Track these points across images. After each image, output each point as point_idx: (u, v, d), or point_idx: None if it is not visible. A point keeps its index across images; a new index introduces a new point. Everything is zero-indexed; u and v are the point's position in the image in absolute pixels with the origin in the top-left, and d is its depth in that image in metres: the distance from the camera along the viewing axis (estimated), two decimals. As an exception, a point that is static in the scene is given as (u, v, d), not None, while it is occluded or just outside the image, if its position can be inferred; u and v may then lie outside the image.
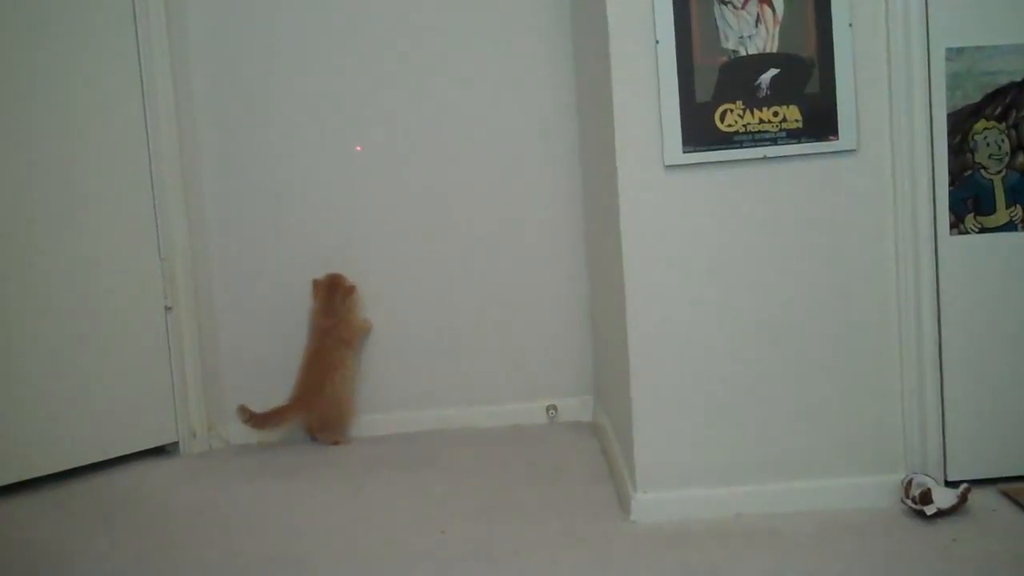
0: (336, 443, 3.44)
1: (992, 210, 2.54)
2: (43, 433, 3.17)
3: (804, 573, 2.21)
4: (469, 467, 3.12)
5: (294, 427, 3.49)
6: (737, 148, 2.47)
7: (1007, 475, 2.58)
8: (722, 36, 2.45)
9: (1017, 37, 2.48)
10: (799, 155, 2.48)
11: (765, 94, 2.46)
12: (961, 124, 2.51)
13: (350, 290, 3.49)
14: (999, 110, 2.50)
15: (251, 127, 3.53)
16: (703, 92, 2.46)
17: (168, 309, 3.41)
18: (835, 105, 2.46)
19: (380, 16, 3.50)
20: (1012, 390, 2.56)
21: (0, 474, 3.08)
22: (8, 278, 3.12)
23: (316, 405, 3.42)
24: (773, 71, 2.46)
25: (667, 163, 2.48)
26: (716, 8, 2.44)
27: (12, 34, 3.11)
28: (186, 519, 2.80)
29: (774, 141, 2.47)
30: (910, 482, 2.47)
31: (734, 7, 2.44)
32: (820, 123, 2.46)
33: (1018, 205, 2.54)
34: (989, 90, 2.50)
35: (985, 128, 2.51)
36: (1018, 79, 2.50)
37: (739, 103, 2.47)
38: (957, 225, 2.53)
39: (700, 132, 2.47)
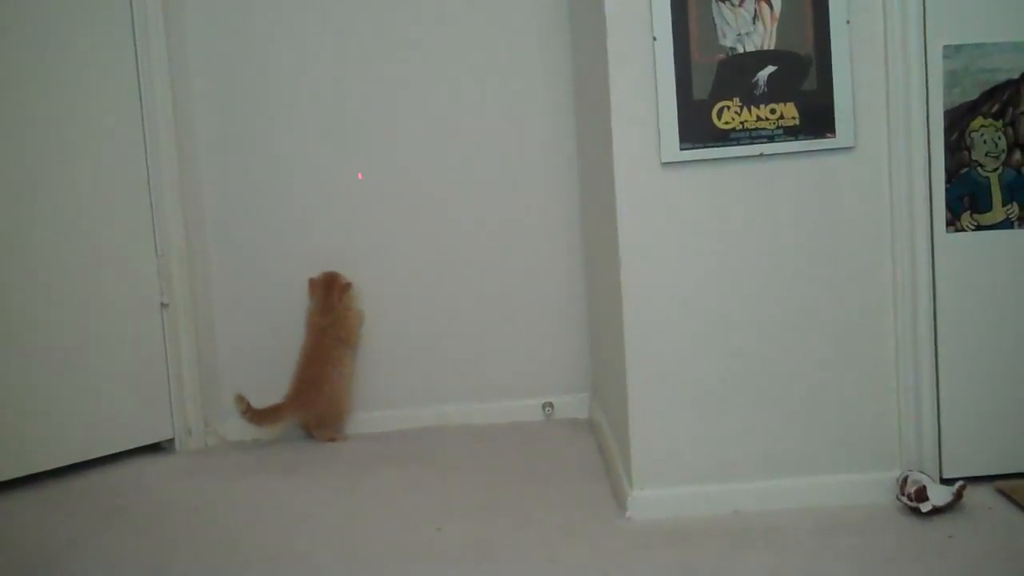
0: (332, 440, 3.43)
1: (988, 208, 2.54)
2: (39, 430, 3.16)
3: (801, 570, 2.21)
4: (466, 464, 3.12)
5: (291, 424, 3.48)
6: (734, 145, 2.47)
7: (1003, 472, 2.57)
8: (720, 33, 2.45)
9: (1014, 35, 2.48)
10: (796, 152, 2.48)
11: (762, 91, 2.46)
12: (958, 121, 2.51)
13: (346, 287, 3.48)
14: (996, 107, 2.51)
15: (249, 124, 3.52)
16: (700, 89, 2.46)
17: (164, 306, 3.40)
18: (832, 102, 2.46)
19: (378, 15, 3.49)
20: (1008, 388, 2.57)
21: (-4, 470, 3.09)
22: (4, 275, 3.11)
23: (312, 403, 3.42)
24: (770, 68, 2.46)
25: (664, 160, 2.48)
26: (714, 5, 2.44)
27: (5, 29, 3.09)
28: (182, 516, 2.80)
29: (771, 138, 2.47)
30: (905, 479, 2.48)
31: (732, 4, 2.44)
32: (817, 120, 2.46)
33: (1014, 203, 2.54)
34: (986, 87, 2.50)
35: (982, 126, 2.51)
36: (1015, 76, 2.50)
37: (736, 100, 2.46)
38: (954, 223, 2.53)
39: (697, 129, 2.47)
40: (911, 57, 2.46)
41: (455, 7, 3.49)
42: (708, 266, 2.52)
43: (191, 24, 3.47)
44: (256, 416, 3.37)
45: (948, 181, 2.52)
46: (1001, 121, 2.51)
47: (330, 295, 3.46)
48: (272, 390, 3.41)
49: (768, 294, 2.52)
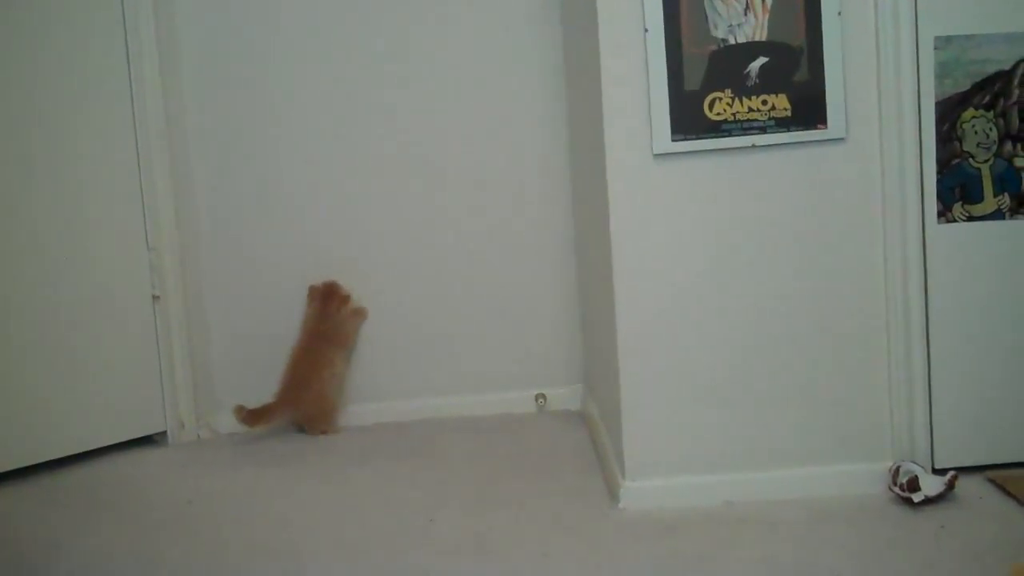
0: (324, 433, 3.43)
1: (980, 198, 2.55)
2: (31, 422, 3.16)
3: (794, 560, 2.22)
4: (458, 456, 3.12)
5: (282, 421, 3.48)
6: (726, 136, 2.47)
7: (994, 463, 2.59)
8: (711, 24, 2.45)
9: (1005, 26, 2.48)
10: (788, 143, 2.48)
11: (754, 83, 2.46)
12: (949, 113, 2.51)
13: (345, 299, 3.50)
14: (987, 98, 2.51)
15: (241, 117, 3.51)
16: (692, 81, 2.46)
17: (156, 298, 3.40)
18: (824, 94, 2.46)
19: (367, 8, 3.47)
20: (999, 378, 2.57)
21: (-12, 464, 3.08)
22: (-5, 268, 3.11)
23: (301, 402, 3.41)
24: (762, 60, 2.46)
25: (656, 152, 2.48)
26: (705, -4, 2.44)
27: (-3, 22, 3.09)
28: (174, 508, 2.80)
29: (763, 129, 2.47)
30: (897, 469, 2.48)
31: (723, -5, 2.44)
32: (809, 111, 2.47)
33: (1006, 193, 2.54)
34: (978, 79, 2.50)
35: (973, 116, 2.52)
36: (1006, 67, 2.50)
37: (728, 92, 2.46)
38: (945, 213, 2.54)
39: (689, 121, 2.47)
40: (902, 48, 2.46)
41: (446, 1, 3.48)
42: (699, 257, 2.52)
43: (181, 13, 3.45)
44: (248, 417, 3.37)
45: (939, 172, 2.52)
46: (992, 112, 2.52)
47: (328, 305, 3.48)
48: (264, 382, 3.40)
49: (760, 285, 2.53)
